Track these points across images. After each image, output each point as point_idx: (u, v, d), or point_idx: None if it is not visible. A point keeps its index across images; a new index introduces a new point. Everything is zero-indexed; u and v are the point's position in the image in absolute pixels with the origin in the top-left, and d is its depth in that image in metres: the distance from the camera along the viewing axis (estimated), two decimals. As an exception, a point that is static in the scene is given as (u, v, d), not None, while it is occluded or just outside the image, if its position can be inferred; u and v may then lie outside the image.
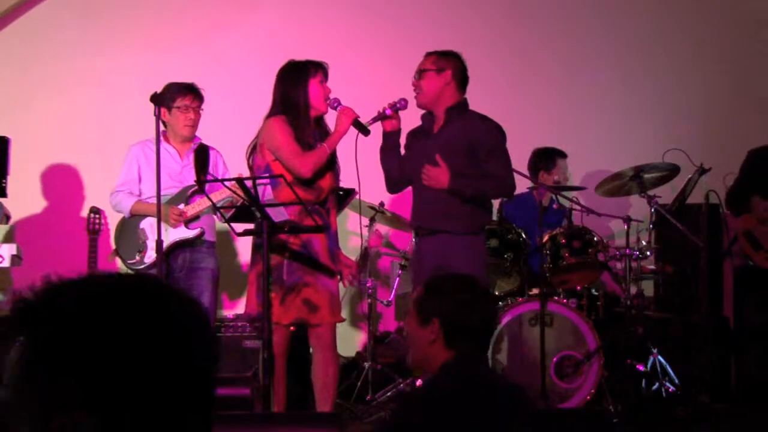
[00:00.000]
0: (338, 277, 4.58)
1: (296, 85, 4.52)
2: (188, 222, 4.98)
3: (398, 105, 4.59)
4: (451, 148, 4.53)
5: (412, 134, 4.76)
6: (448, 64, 4.60)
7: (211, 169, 5.06)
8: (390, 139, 4.68)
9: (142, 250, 4.97)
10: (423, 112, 4.73)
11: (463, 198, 4.50)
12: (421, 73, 4.61)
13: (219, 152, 5.20)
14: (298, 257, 4.45)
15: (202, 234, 5.02)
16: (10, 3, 6.61)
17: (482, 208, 4.66)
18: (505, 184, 4.64)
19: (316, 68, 4.56)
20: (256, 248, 4.51)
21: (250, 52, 6.66)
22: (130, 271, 5.06)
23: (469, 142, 4.53)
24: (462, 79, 4.64)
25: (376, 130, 4.62)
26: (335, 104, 4.52)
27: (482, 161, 4.53)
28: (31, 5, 6.71)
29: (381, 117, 4.59)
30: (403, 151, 4.76)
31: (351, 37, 6.87)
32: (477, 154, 4.53)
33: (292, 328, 4.61)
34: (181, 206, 4.98)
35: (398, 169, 4.70)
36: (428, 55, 4.66)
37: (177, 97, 4.99)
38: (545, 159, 6.06)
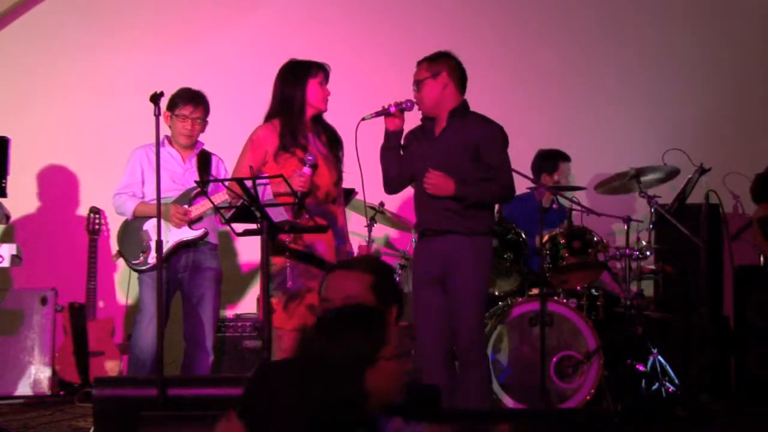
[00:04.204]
0: None
1: (295, 83, 4.51)
2: (192, 223, 4.99)
3: (404, 105, 4.54)
4: (453, 150, 4.49)
5: (412, 134, 4.72)
6: (442, 67, 4.54)
7: (213, 174, 5.07)
8: (392, 138, 4.63)
9: (146, 251, 4.97)
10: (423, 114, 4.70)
11: (464, 204, 4.47)
12: (418, 83, 4.57)
13: (221, 159, 5.21)
14: (301, 261, 4.42)
15: (205, 234, 5.02)
16: (10, 3, 6.61)
17: (489, 208, 4.63)
18: (506, 188, 4.58)
19: (318, 69, 4.55)
20: None
21: (249, 53, 6.66)
22: (134, 272, 5.07)
23: (471, 145, 4.49)
24: (459, 77, 4.59)
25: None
26: (309, 161, 4.39)
27: (483, 164, 4.49)
28: (30, 5, 6.71)
29: (383, 113, 4.53)
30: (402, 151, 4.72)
31: (350, 37, 6.86)
32: (479, 157, 4.48)
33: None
34: (185, 207, 4.99)
35: (397, 170, 4.66)
36: (420, 63, 4.61)
37: (179, 105, 5.03)
38: (548, 161, 6.06)
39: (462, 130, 4.52)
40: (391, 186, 4.79)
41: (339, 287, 2.85)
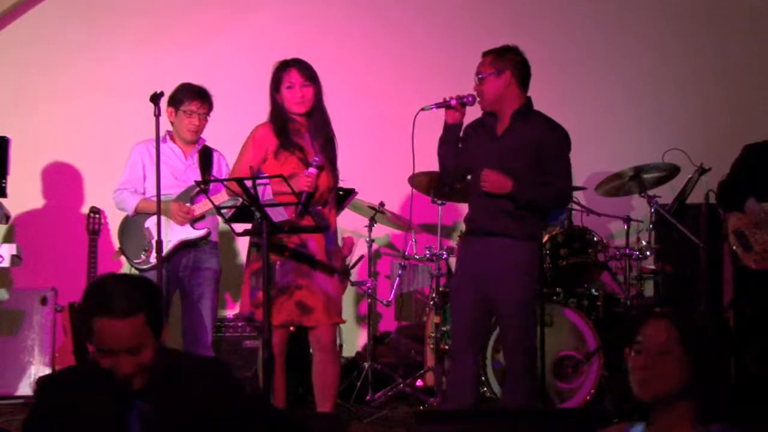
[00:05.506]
0: (337, 276, 4.54)
1: (272, 90, 4.56)
2: (194, 221, 4.98)
3: (465, 99, 4.44)
4: (516, 152, 4.39)
5: (472, 128, 4.60)
6: (507, 64, 4.43)
7: (214, 172, 5.07)
8: (451, 131, 4.53)
9: (148, 249, 4.96)
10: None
11: (518, 204, 4.38)
12: (480, 78, 4.46)
13: (222, 155, 5.21)
14: (292, 258, 4.42)
15: (208, 234, 5.02)
16: (10, 3, 6.62)
17: (541, 213, 4.52)
18: (563, 195, 4.54)
19: (286, 74, 4.51)
20: (250, 247, 4.51)
21: (249, 53, 6.66)
22: (135, 271, 5.06)
23: (533, 147, 4.39)
24: (523, 76, 4.46)
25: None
26: (316, 162, 4.41)
27: (544, 168, 4.40)
28: (30, 5, 6.71)
29: (443, 105, 4.45)
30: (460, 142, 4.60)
31: (349, 38, 6.87)
32: (540, 160, 4.39)
33: (291, 328, 4.60)
34: (188, 205, 4.98)
35: (454, 162, 4.55)
36: (485, 55, 4.49)
37: (185, 101, 5.02)
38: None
39: (524, 131, 4.42)
40: (449, 178, 4.67)
41: (115, 337, 2.50)
